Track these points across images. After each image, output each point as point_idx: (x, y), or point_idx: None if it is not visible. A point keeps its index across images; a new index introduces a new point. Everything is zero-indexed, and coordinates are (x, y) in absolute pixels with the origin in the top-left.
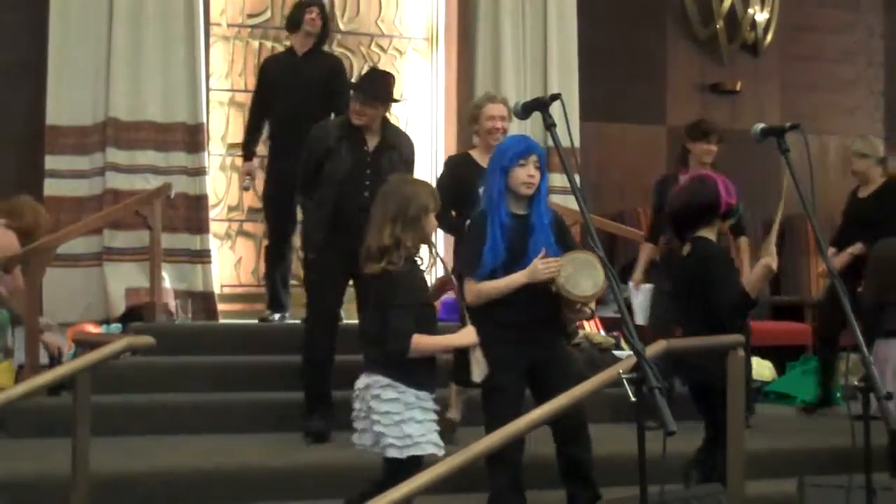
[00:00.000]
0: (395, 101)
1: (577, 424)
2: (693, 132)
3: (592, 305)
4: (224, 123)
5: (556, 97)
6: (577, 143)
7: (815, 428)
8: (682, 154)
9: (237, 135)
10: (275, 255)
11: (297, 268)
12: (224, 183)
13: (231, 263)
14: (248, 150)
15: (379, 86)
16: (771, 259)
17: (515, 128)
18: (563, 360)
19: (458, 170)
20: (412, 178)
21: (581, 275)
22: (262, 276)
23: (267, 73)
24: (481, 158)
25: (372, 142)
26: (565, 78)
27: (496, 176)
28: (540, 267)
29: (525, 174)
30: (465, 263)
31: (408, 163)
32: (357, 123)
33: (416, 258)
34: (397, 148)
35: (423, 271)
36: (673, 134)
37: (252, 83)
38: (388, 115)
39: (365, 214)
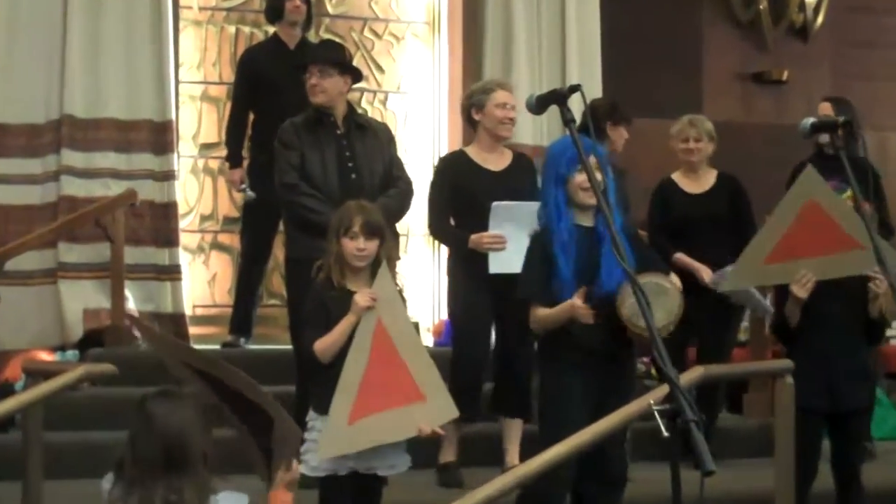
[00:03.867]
0: (356, 72)
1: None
2: (615, 115)
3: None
4: (196, 120)
5: (575, 88)
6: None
7: None
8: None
9: (211, 133)
10: (253, 272)
11: (277, 285)
12: (196, 189)
13: (204, 281)
14: (234, 157)
15: (332, 51)
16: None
17: (530, 124)
18: (630, 389)
19: (454, 171)
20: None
21: (653, 304)
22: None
23: (252, 66)
24: (481, 156)
25: (342, 124)
26: (586, 66)
27: (552, 187)
28: (581, 312)
29: (583, 180)
30: (526, 287)
31: (390, 140)
32: (317, 102)
33: (339, 282)
34: (370, 128)
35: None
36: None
37: (228, 74)
38: (369, 108)
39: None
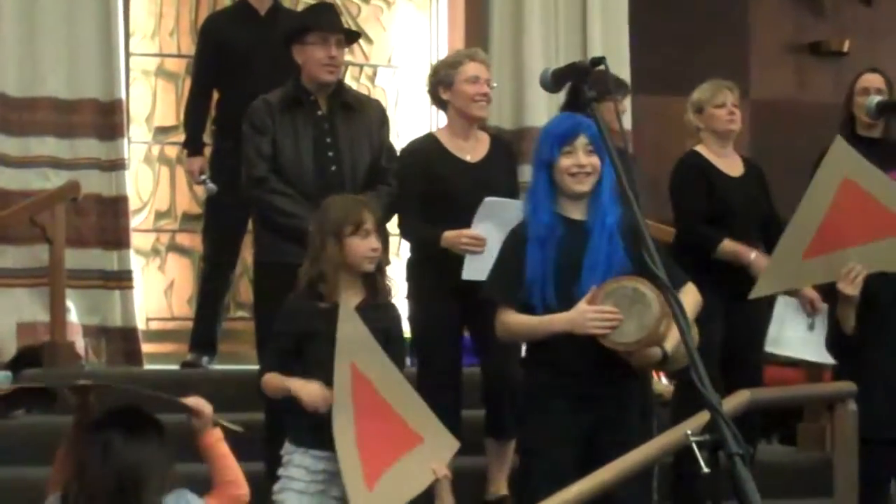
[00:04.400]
0: (356, 34)
1: None
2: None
3: (668, 346)
4: (150, 100)
5: (598, 62)
6: (627, 125)
7: None
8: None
9: (167, 115)
10: (217, 278)
11: (246, 294)
12: (150, 180)
13: (160, 289)
14: (195, 142)
15: (333, 15)
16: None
17: (543, 104)
18: (629, 425)
19: (423, 159)
20: (339, 196)
21: (623, 313)
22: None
23: (216, 35)
24: (454, 143)
25: (324, 104)
26: (612, 35)
27: (537, 173)
28: (590, 317)
29: (572, 164)
30: (493, 285)
31: (382, 122)
32: (329, 80)
33: (323, 294)
34: (358, 108)
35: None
36: (760, 111)
37: (187, 45)
38: (354, 85)
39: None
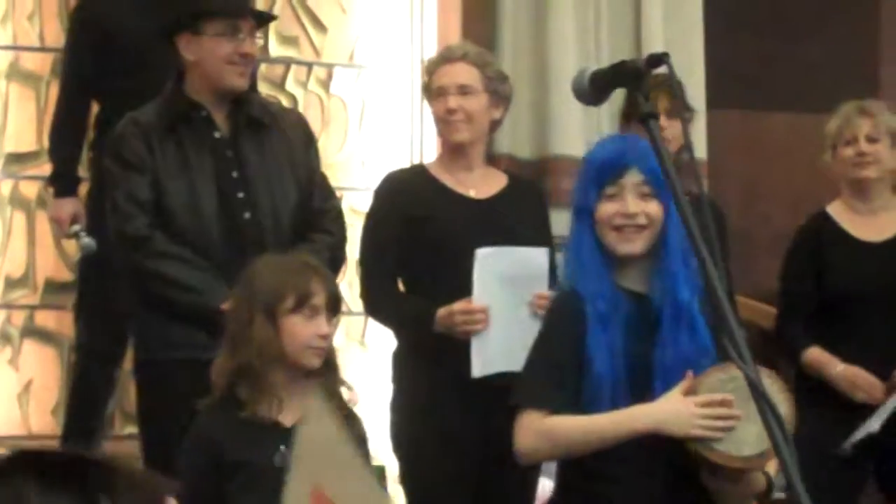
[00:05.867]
0: (271, 17)
1: None
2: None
3: (771, 469)
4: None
5: (658, 61)
6: (701, 151)
7: None
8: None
9: (24, 136)
10: (96, 377)
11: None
12: (0, 229)
13: (11, 394)
14: (64, 176)
15: None
16: None
17: (578, 123)
18: None
19: (407, 198)
20: (276, 256)
21: (744, 411)
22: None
23: (97, 21)
24: (447, 173)
25: (223, 122)
26: (678, 26)
27: (576, 224)
28: (697, 412)
29: (615, 212)
30: (532, 386)
31: (307, 141)
32: (239, 85)
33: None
34: (272, 124)
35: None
36: None
37: (53, 34)
38: (300, 92)
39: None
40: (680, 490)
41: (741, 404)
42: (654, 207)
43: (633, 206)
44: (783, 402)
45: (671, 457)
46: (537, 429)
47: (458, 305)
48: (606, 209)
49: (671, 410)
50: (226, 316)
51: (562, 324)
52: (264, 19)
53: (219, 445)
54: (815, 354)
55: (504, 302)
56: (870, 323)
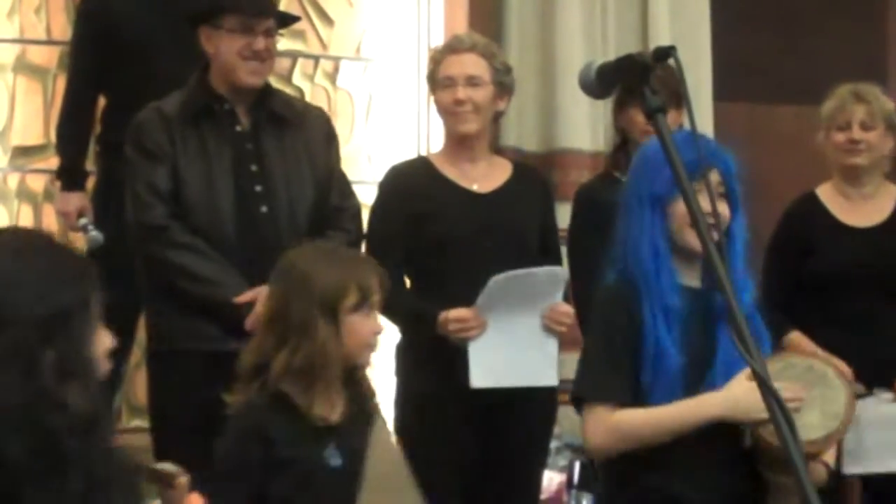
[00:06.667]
0: (295, 19)
1: None
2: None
3: (829, 459)
4: (5, 107)
5: (665, 54)
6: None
7: None
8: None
9: (31, 130)
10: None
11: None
12: (5, 223)
13: None
14: (71, 170)
15: None
16: None
17: (585, 117)
18: None
19: (407, 188)
20: (324, 247)
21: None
22: None
23: (103, 14)
24: (451, 165)
25: (245, 116)
26: (685, 19)
27: (645, 214)
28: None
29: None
30: (591, 381)
31: (328, 139)
32: (252, 83)
33: (296, 401)
34: (293, 121)
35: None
36: None
37: (60, 28)
38: (307, 86)
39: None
40: (738, 481)
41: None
42: (725, 208)
43: (709, 205)
44: (842, 389)
45: (729, 447)
46: (606, 424)
47: (452, 313)
48: (684, 206)
49: (741, 395)
50: (274, 311)
51: (618, 316)
52: (286, 20)
53: (269, 441)
54: (796, 339)
55: (513, 317)
56: (854, 306)
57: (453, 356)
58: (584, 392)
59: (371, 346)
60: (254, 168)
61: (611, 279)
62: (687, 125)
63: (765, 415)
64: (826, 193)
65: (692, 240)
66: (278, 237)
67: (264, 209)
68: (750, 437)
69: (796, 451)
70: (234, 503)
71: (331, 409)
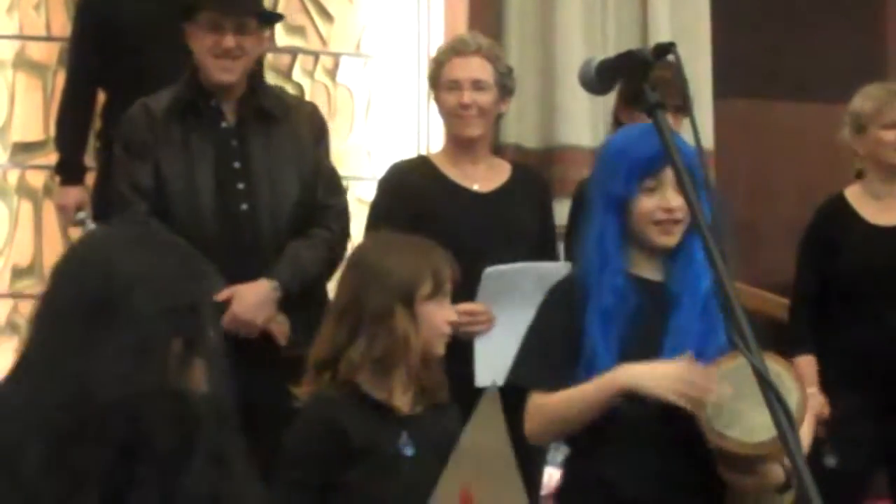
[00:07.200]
0: (278, 17)
1: None
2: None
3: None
4: (5, 103)
5: (665, 51)
6: (708, 142)
7: None
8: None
9: (31, 125)
10: None
11: None
12: (4, 220)
13: None
14: (71, 165)
15: None
16: None
17: (585, 113)
18: None
19: (406, 187)
20: (394, 237)
21: (749, 401)
22: None
23: (102, 9)
24: (451, 165)
25: (232, 112)
26: (685, 16)
27: (603, 214)
28: (681, 375)
29: (657, 207)
30: (523, 365)
31: (318, 135)
32: (222, 80)
33: (368, 392)
34: (282, 116)
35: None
36: None
37: (60, 24)
38: (307, 82)
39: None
40: (681, 469)
41: (752, 391)
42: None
43: (673, 200)
44: (794, 390)
45: (672, 434)
46: (535, 408)
47: (462, 307)
48: (646, 203)
49: (655, 371)
50: (346, 303)
51: (559, 312)
52: (267, 18)
53: (344, 433)
54: (803, 366)
55: (514, 315)
56: (883, 307)
57: (452, 353)
58: (518, 379)
59: (445, 335)
60: (236, 165)
61: (567, 276)
62: (685, 129)
63: (672, 395)
64: (854, 194)
65: (656, 237)
66: (259, 235)
67: (245, 207)
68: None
69: (798, 450)
70: (303, 494)
71: (405, 398)
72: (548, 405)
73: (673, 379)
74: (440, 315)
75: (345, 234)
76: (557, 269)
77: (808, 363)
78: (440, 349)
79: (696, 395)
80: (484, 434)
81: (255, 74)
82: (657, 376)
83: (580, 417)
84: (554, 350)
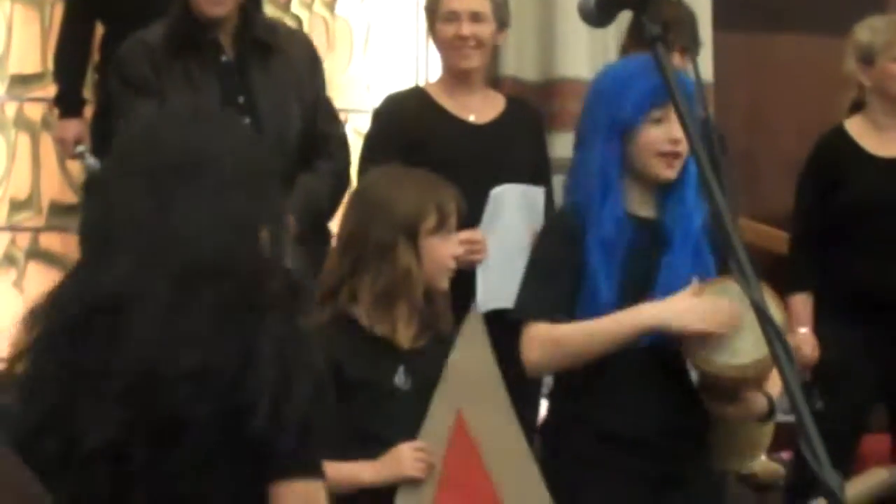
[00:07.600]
0: None
1: None
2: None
3: (775, 391)
4: (3, 35)
5: None
6: (707, 75)
7: None
8: None
9: (28, 58)
10: None
11: None
12: (2, 154)
13: (15, 314)
14: (69, 98)
15: None
16: None
17: (584, 46)
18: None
19: (405, 121)
20: (400, 170)
21: (736, 329)
22: None
23: None
24: (448, 97)
25: (230, 46)
26: None
27: (598, 141)
28: (702, 307)
29: (664, 138)
30: (529, 297)
31: (313, 64)
32: (213, 13)
33: (367, 325)
34: (278, 47)
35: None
36: None
37: None
38: (306, 15)
39: None
40: (676, 414)
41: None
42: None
43: (677, 132)
44: (775, 311)
45: (667, 379)
46: (542, 338)
47: (462, 235)
48: (652, 133)
49: (675, 305)
50: (350, 236)
51: (559, 244)
52: None
53: (338, 366)
54: (797, 304)
55: (510, 238)
56: (885, 236)
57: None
58: (522, 312)
59: (449, 270)
60: (241, 100)
61: (563, 206)
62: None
63: (700, 325)
64: (855, 127)
65: (660, 169)
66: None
67: None
68: (695, 371)
69: (796, 386)
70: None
71: (407, 333)
72: (559, 336)
73: (698, 311)
74: (444, 249)
75: (348, 163)
76: (540, 192)
77: (803, 302)
78: (444, 283)
79: (726, 322)
80: (470, 356)
81: (247, 6)
82: (680, 311)
83: (599, 350)
84: (555, 281)
